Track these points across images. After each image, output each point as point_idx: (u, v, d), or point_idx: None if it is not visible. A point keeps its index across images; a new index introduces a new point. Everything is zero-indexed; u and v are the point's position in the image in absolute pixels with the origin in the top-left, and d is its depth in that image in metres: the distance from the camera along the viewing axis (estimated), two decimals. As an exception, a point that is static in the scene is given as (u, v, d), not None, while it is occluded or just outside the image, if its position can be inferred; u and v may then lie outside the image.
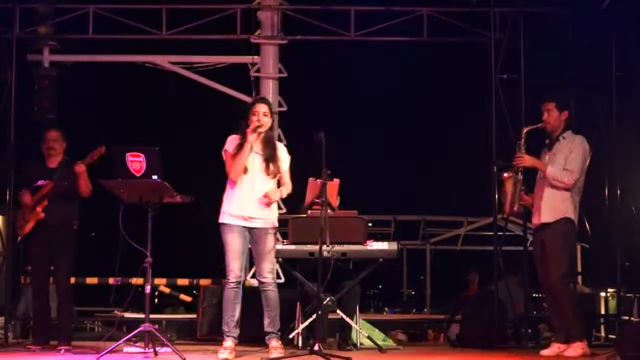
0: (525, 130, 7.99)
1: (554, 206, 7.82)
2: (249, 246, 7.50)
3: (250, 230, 7.42)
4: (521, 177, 7.95)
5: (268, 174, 7.41)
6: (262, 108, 7.48)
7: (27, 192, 8.41)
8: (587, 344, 7.79)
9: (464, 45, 11.20)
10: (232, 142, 7.46)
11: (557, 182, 7.79)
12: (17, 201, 8.64)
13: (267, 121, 7.45)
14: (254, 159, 7.42)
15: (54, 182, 8.31)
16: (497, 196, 9.39)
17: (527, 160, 7.90)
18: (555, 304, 7.87)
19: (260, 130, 7.39)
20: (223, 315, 7.48)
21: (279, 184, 7.52)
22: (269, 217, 7.45)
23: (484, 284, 13.21)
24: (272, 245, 7.50)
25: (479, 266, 14.14)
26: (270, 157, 7.43)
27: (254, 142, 7.38)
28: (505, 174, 7.99)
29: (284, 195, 7.56)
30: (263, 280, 7.45)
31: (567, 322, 7.76)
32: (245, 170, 7.38)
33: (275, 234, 7.57)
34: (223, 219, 7.43)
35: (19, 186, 8.65)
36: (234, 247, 7.39)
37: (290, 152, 7.66)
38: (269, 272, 7.46)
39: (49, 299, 8.53)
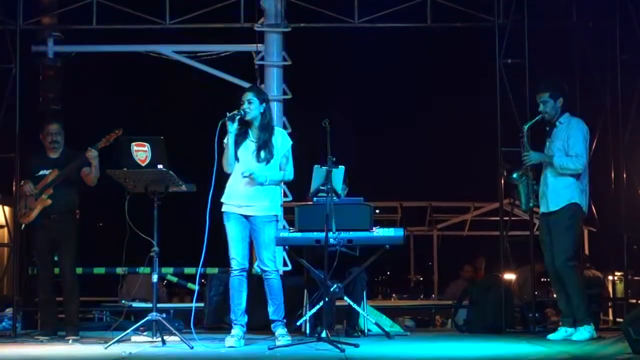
0: (525, 127, 8.00)
1: (559, 193, 7.83)
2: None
3: (248, 218, 7.45)
4: (531, 174, 7.99)
5: (259, 161, 7.43)
6: (245, 96, 7.51)
7: (28, 182, 8.42)
8: (594, 327, 7.81)
9: (468, 30, 11.15)
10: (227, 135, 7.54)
11: (566, 171, 7.80)
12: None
13: (252, 108, 7.46)
14: (248, 147, 7.47)
15: (59, 171, 8.32)
16: (502, 183, 9.41)
17: (533, 157, 7.93)
18: (562, 287, 7.87)
19: (246, 118, 7.42)
20: (230, 304, 7.51)
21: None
22: (267, 205, 7.47)
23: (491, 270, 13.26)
24: (271, 233, 7.52)
25: (486, 252, 14.17)
26: (263, 144, 7.45)
27: (233, 130, 7.40)
28: (516, 176, 8.01)
29: (274, 180, 7.49)
30: (264, 268, 7.50)
31: (574, 306, 7.77)
32: (238, 159, 7.43)
33: (275, 222, 7.57)
34: (223, 207, 7.51)
35: (22, 177, 8.65)
36: (233, 235, 7.46)
37: (295, 139, 7.64)
38: (269, 260, 7.48)
39: (55, 288, 8.54)
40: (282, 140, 7.58)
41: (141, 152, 7.40)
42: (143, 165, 7.41)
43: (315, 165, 7.90)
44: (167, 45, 11.72)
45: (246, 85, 11.33)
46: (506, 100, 9.51)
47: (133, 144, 7.42)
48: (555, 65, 10.06)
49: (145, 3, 11.30)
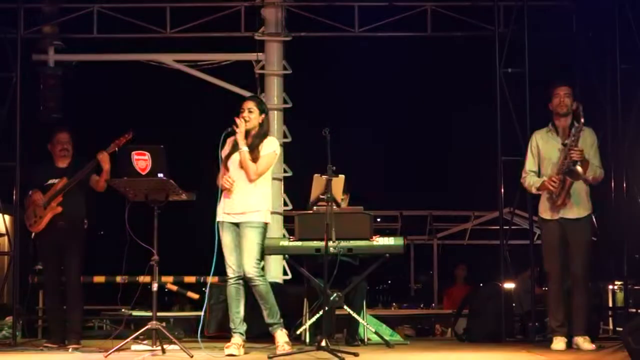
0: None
1: (585, 201, 7.85)
2: None
3: (237, 225, 7.48)
4: None
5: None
6: (246, 105, 7.56)
7: (37, 191, 8.39)
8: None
9: (468, 39, 11.18)
10: (226, 147, 7.59)
11: (595, 182, 7.82)
12: (24, 202, 8.64)
13: (252, 117, 7.50)
14: (237, 156, 7.49)
15: (68, 179, 8.30)
16: (502, 192, 9.41)
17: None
18: (573, 296, 7.85)
19: (247, 127, 7.46)
20: (229, 312, 7.52)
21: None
22: (253, 212, 7.47)
23: (471, 278, 13.31)
24: (255, 240, 7.46)
25: (466, 260, 14.20)
26: (250, 148, 7.46)
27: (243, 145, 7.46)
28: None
29: (248, 164, 7.45)
30: (248, 275, 7.45)
31: (584, 315, 7.76)
32: (228, 169, 7.48)
33: (261, 229, 7.51)
34: (217, 217, 7.54)
35: (29, 187, 8.62)
36: (226, 243, 7.49)
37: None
38: (253, 267, 7.45)
39: (62, 297, 8.51)
40: (267, 145, 7.53)
41: (141, 161, 7.41)
42: (143, 174, 7.42)
43: (315, 175, 7.91)
44: (167, 54, 11.73)
45: (247, 94, 11.38)
46: (506, 109, 9.52)
47: (133, 152, 7.43)
48: (556, 75, 10.05)
49: (146, 12, 11.33)
